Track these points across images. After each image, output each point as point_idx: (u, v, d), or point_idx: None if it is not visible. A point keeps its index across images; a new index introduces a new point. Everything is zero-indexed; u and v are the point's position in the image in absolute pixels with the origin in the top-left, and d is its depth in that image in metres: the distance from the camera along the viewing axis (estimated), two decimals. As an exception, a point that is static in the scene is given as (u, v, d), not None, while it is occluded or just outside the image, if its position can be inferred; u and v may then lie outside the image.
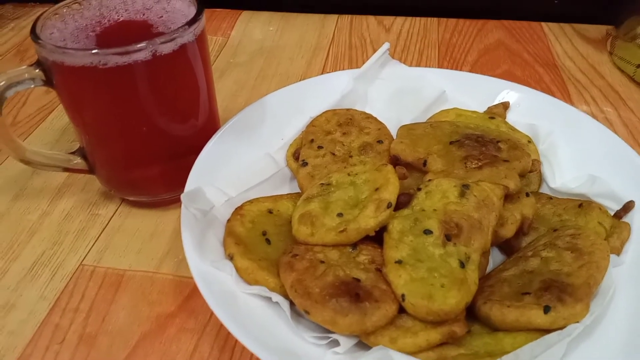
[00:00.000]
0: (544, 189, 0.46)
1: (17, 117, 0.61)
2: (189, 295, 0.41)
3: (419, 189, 0.39)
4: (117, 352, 0.37)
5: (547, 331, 0.33)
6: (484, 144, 0.44)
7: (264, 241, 0.40)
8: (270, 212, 0.43)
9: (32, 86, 0.41)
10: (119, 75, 0.39)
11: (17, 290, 0.42)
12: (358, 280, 0.35)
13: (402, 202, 0.39)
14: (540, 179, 0.47)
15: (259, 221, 0.41)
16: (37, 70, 0.40)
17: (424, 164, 0.43)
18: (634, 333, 0.33)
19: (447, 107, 0.52)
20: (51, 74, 0.40)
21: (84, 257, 0.44)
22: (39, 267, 0.43)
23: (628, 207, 0.40)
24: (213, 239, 0.38)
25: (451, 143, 0.44)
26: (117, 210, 0.48)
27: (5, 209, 0.48)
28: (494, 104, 0.51)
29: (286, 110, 0.51)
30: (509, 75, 0.65)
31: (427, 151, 0.44)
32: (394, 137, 0.48)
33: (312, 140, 0.47)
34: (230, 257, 0.37)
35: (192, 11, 0.43)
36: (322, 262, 0.36)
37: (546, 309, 0.33)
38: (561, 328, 0.32)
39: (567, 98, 0.62)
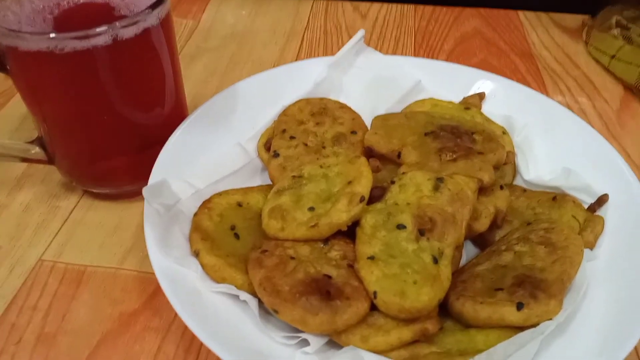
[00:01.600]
0: (518, 181, 0.46)
1: (-25, 102, 0.57)
2: (153, 292, 0.39)
3: (393, 182, 0.38)
4: (78, 352, 0.36)
5: (520, 328, 0.32)
6: (459, 136, 0.43)
7: (233, 236, 0.38)
8: (239, 205, 0.41)
9: (-15, 72, 0.38)
10: (77, 61, 0.37)
11: (-29, 288, 0.39)
12: (329, 277, 0.34)
13: (375, 195, 0.38)
14: (515, 171, 0.46)
15: (228, 215, 0.40)
16: (-12, 55, 0.38)
17: (398, 155, 0.42)
18: (607, 329, 0.32)
19: (422, 97, 0.51)
20: (5, 59, 0.38)
21: (44, 252, 0.42)
22: (-6, 263, 0.41)
23: (602, 200, 0.40)
24: (178, 234, 0.37)
25: (426, 134, 0.43)
26: (78, 202, 0.46)
27: (-42, 202, 0.46)
28: (470, 94, 0.51)
29: (258, 98, 0.49)
30: (485, 65, 0.65)
31: (402, 143, 0.43)
32: (369, 127, 0.47)
33: (284, 131, 0.46)
34: (196, 254, 0.36)
35: None
36: (292, 258, 0.35)
37: (519, 306, 0.32)
38: (534, 325, 0.32)
39: (543, 88, 0.61)
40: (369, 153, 0.44)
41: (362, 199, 0.36)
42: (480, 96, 0.50)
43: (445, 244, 0.35)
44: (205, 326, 0.31)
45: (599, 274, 0.36)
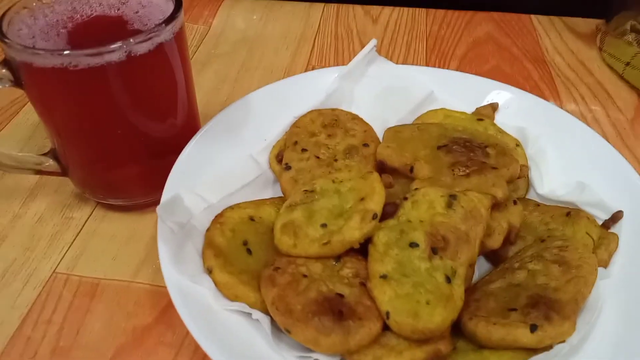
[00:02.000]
0: (531, 195, 0.45)
1: (-11, 109, 0.58)
2: (166, 306, 0.39)
3: (405, 199, 0.38)
4: (93, 368, 0.36)
5: (534, 350, 0.32)
6: (472, 149, 0.43)
7: (245, 251, 0.38)
8: (252, 219, 0.41)
9: (0, 87, 0.39)
10: (91, 77, 0.37)
11: (-13, 301, 0.40)
12: (341, 295, 0.34)
13: (388, 212, 0.37)
14: (528, 185, 0.46)
15: (240, 229, 0.40)
16: (4, 70, 0.38)
17: (411, 170, 0.42)
18: (621, 350, 0.32)
19: (435, 107, 0.51)
20: (20, 74, 0.38)
21: (58, 264, 0.42)
22: (10, 275, 0.42)
23: (616, 217, 0.40)
24: (192, 250, 0.37)
25: (439, 148, 0.43)
26: (92, 213, 0.47)
27: (-27, 212, 0.46)
28: (483, 104, 0.50)
29: (269, 109, 0.49)
30: (497, 72, 0.64)
31: (414, 156, 0.42)
32: (380, 138, 0.47)
33: (295, 143, 0.46)
34: (209, 271, 0.36)
35: (169, 6, 0.41)
36: (305, 276, 0.35)
37: (533, 328, 0.32)
38: (548, 346, 0.32)
39: (556, 96, 0.61)
40: (381, 166, 0.44)
41: (374, 216, 0.36)
42: (494, 107, 0.50)
43: (458, 262, 0.35)
44: (218, 345, 0.31)
45: (612, 292, 0.36)
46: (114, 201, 0.46)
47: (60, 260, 0.43)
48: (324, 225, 0.37)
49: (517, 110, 0.49)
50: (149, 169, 0.44)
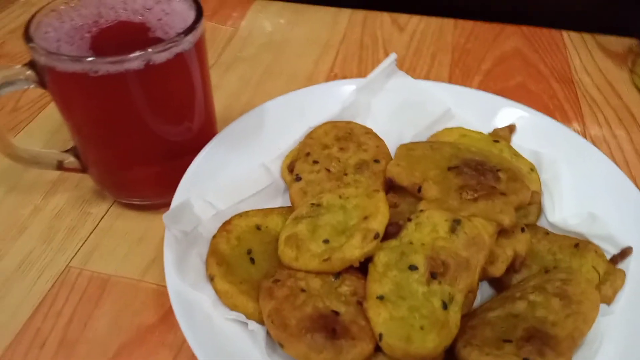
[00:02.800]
0: (542, 222, 0.45)
1: (20, 102, 0.60)
2: (170, 307, 0.40)
3: (409, 220, 0.38)
4: (96, 363, 0.38)
5: (524, 384, 0.32)
6: (483, 173, 0.42)
7: (248, 260, 0.39)
8: (258, 228, 0.42)
9: (26, 87, 0.40)
10: (110, 82, 0.38)
11: (3, 289, 0.42)
12: (337, 313, 0.34)
13: (391, 232, 0.38)
14: (540, 211, 0.45)
15: (245, 238, 0.41)
16: (29, 72, 0.40)
17: (419, 190, 0.42)
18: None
19: (452, 125, 0.50)
20: (43, 75, 0.40)
21: (72, 258, 0.44)
22: (26, 265, 0.44)
23: (625, 253, 0.39)
24: (196, 258, 0.38)
25: (449, 169, 0.43)
26: (108, 210, 0.48)
27: (-3, 202, 0.49)
28: (501, 126, 0.50)
29: (285, 118, 0.49)
30: (521, 89, 0.63)
31: (424, 176, 0.42)
32: (393, 154, 0.47)
33: (308, 154, 0.46)
34: (211, 279, 0.37)
35: (191, 15, 0.42)
36: (303, 290, 0.36)
37: (525, 362, 0.32)
38: (539, 382, 0.32)
39: (580, 117, 0.59)
40: (390, 184, 0.44)
41: (376, 236, 0.37)
42: (511, 129, 0.49)
43: (456, 289, 0.35)
44: (211, 354, 0.32)
45: (613, 330, 0.35)
46: (128, 200, 0.47)
47: (75, 255, 0.45)
48: (326, 241, 0.38)
49: (535, 133, 0.48)
50: (164, 171, 0.46)
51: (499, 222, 0.38)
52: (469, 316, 0.37)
